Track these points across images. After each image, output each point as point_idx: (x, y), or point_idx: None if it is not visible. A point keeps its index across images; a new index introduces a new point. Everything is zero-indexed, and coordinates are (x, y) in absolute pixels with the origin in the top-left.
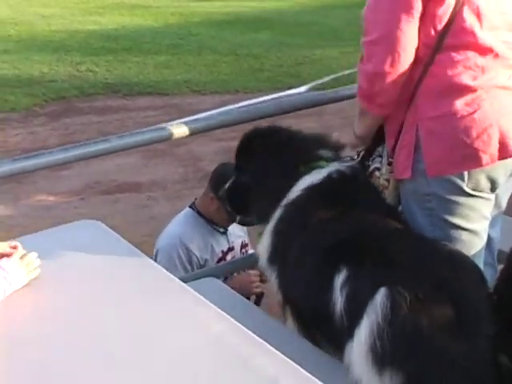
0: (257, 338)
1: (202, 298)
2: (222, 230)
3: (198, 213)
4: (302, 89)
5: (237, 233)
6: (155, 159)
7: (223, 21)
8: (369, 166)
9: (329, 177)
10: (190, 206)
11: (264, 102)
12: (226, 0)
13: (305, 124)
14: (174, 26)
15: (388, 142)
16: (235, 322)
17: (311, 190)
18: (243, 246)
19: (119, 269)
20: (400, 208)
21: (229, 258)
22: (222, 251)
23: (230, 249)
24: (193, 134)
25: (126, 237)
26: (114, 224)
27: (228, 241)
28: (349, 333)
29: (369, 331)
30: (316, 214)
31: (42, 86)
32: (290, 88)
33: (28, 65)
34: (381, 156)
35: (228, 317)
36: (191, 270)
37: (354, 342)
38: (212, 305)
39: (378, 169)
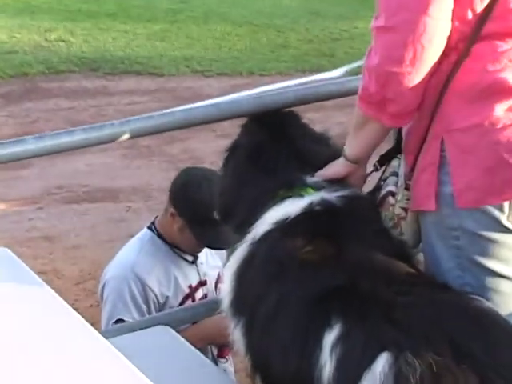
0: None
1: (123, 358)
2: (190, 258)
3: (159, 235)
4: (337, 73)
5: (211, 262)
6: (139, 159)
7: None
8: (380, 188)
9: (309, 209)
10: (150, 227)
11: (285, 88)
12: None
13: (332, 119)
14: None
15: (406, 160)
16: None
17: (285, 225)
18: (220, 280)
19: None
20: (421, 247)
21: (199, 295)
22: (190, 286)
23: (202, 283)
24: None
25: (94, 259)
26: (80, 243)
27: (198, 272)
28: None
29: None
30: (297, 256)
31: None
32: (320, 71)
33: None
34: (396, 174)
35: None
36: (147, 311)
37: None
38: (134, 367)
39: (393, 194)
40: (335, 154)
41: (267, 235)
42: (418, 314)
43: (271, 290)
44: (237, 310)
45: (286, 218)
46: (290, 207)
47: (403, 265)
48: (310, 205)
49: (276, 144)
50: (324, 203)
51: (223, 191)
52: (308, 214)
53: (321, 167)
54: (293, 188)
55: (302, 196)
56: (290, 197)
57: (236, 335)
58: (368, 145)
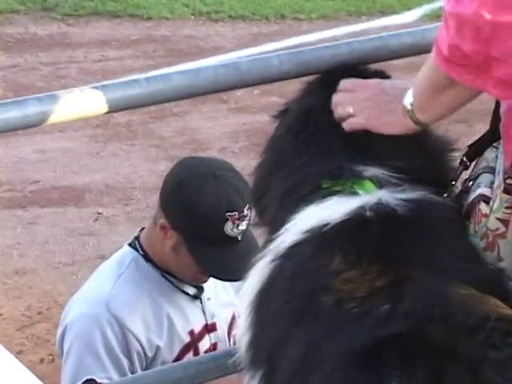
0: None
1: None
2: (191, 290)
3: (146, 257)
4: (410, 16)
5: (223, 298)
6: (114, 143)
7: None
8: (467, 191)
9: (357, 215)
10: (132, 244)
11: (333, 40)
12: None
13: None
14: None
15: (506, 150)
16: None
17: (320, 236)
18: (234, 322)
19: None
20: None
21: (205, 345)
22: (192, 332)
23: (209, 328)
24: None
25: (48, 291)
26: (27, 266)
27: (204, 312)
28: None
29: None
30: (334, 286)
31: None
32: (385, 15)
33: None
34: (492, 171)
35: None
36: (130, 368)
37: None
38: None
39: (486, 199)
40: (420, 139)
41: (295, 249)
42: None
43: (297, 335)
44: (254, 356)
45: (324, 226)
46: (332, 209)
47: (497, 303)
48: (360, 208)
49: (331, 112)
50: (380, 208)
51: (257, 173)
52: (355, 221)
53: (391, 153)
54: (341, 179)
55: (354, 193)
56: (336, 192)
57: None
58: (449, 111)
